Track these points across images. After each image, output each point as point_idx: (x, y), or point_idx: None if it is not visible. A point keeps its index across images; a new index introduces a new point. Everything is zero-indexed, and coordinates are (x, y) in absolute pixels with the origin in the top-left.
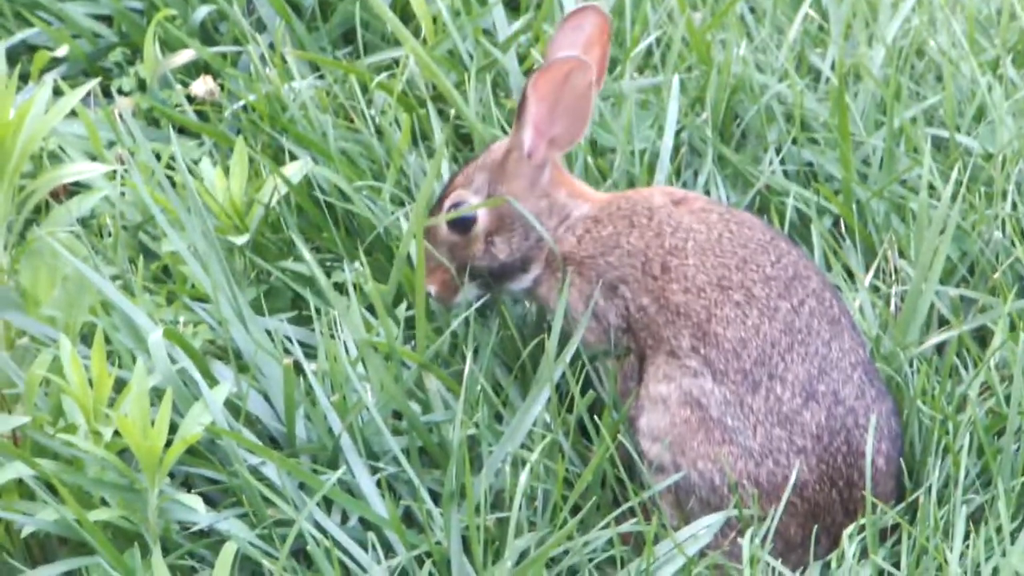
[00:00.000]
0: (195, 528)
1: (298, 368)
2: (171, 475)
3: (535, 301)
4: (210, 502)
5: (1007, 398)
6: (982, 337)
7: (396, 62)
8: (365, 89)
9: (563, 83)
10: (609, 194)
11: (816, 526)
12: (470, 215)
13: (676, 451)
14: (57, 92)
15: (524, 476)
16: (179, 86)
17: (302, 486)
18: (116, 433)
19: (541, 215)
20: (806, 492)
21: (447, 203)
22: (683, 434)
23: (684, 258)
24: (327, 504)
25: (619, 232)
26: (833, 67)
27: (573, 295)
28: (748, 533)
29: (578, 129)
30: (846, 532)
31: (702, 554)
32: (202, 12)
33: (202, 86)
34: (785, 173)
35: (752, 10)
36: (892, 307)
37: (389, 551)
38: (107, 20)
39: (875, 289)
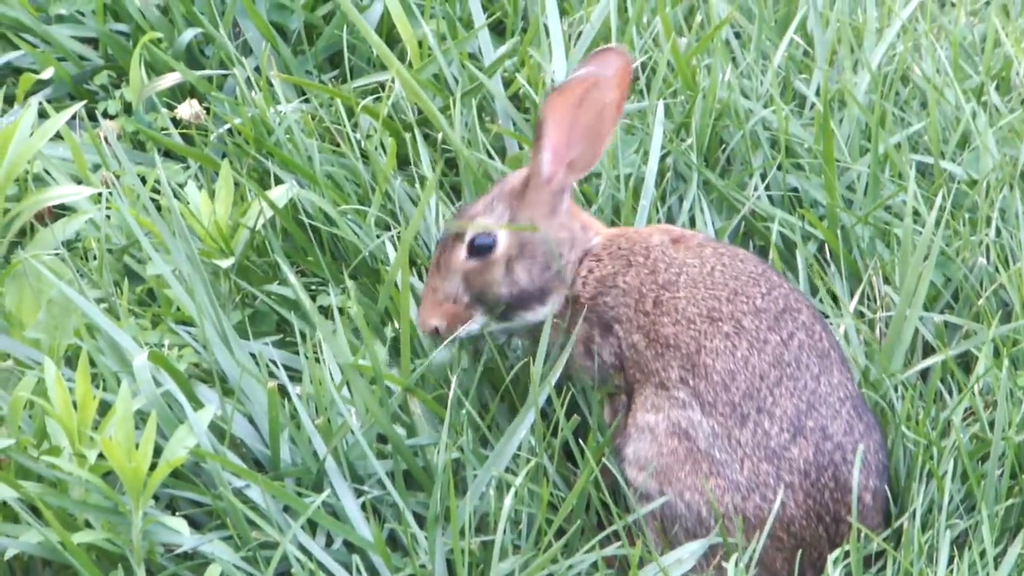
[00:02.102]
0: (179, 551)
1: (283, 391)
2: (155, 498)
3: (536, 337)
4: (194, 525)
5: (991, 424)
6: (966, 363)
7: (382, 86)
8: (351, 113)
9: (579, 104)
10: (613, 230)
11: (802, 558)
12: (491, 241)
13: (663, 481)
14: (42, 115)
15: (509, 499)
16: (165, 109)
17: (287, 509)
18: (100, 456)
19: (563, 246)
20: (793, 527)
21: (468, 234)
22: (670, 464)
23: (676, 291)
24: (311, 527)
25: (616, 272)
26: (818, 93)
27: (576, 337)
28: (732, 559)
29: (596, 152)
30: (831, 557)
31: None
32: (188, 35)
33: (188, 109)
34: (770, 199)
35: (737, 35)
36: (877, 333)
37: (374, 574)
38: (93, 43)
39: (860, 315)
